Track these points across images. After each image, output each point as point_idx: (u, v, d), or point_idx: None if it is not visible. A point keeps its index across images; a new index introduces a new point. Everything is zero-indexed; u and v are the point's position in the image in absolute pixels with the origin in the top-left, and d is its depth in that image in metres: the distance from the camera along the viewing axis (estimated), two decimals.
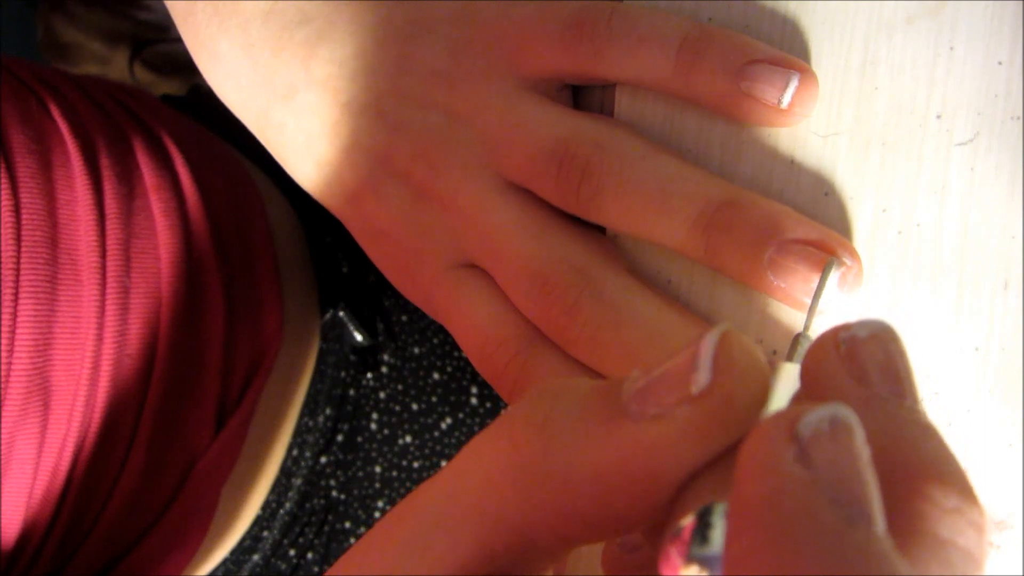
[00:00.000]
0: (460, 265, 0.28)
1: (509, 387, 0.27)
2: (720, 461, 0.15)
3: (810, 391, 0.17)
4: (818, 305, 0.24)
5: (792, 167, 0.25)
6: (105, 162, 0.34)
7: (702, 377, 0.15)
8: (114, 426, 0.33)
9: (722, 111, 0.25)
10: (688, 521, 0.15)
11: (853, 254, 0.24)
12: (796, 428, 0.14)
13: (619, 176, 0.25)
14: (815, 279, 0.24)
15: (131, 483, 0.35)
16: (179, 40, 0.32)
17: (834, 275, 0.23)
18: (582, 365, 0.26)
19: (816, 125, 0.25)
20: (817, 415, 0.14)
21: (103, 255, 0.33)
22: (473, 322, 0.28)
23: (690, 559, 0.14)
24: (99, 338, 0.32)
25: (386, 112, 0.28)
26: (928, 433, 0.16)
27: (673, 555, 0.14)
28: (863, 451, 0.14)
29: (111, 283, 0.33)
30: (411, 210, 0.28)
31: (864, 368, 0.16)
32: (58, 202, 0.32)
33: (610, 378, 0.17)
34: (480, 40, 0.28)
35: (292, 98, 0.29)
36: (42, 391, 0.31)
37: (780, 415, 0.14)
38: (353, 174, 0.29)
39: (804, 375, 0.17)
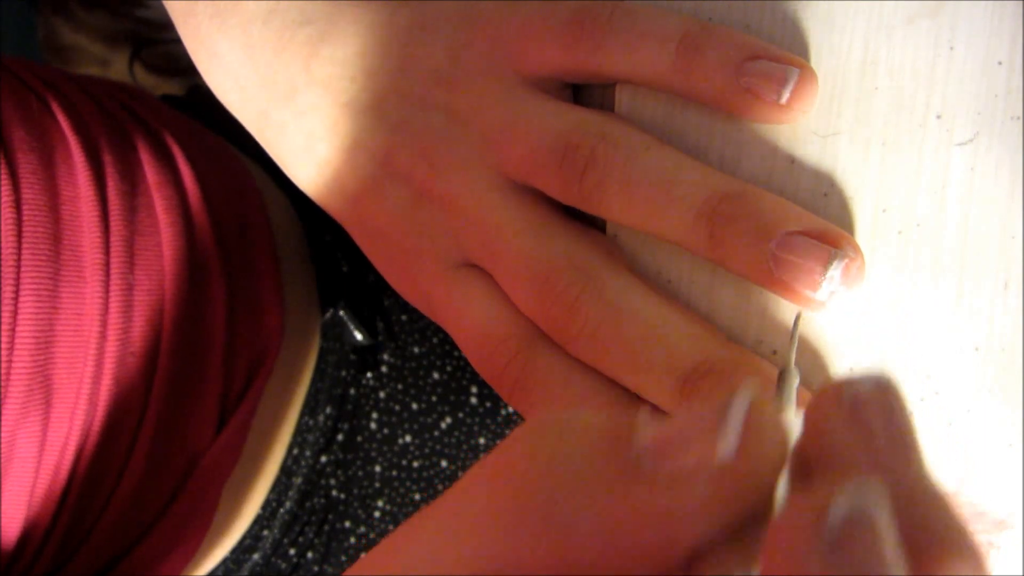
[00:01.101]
0: (460, 265, 0.28)
1: (509, 387, 0.27)
2: (738, 533, 0.15)
3: (812, 443, 0.16)
4: (795, 345, 0.24)
5: (792, 167, 0.26)
6: (107, 159, 0.34)
7: (728, 443, 0.14)
8: (117, 425, 0.33)
9: (721, 107, 0.25)
10: None
11: (856, 248, 0.24)
12: (826, 516, 0.13)
13: (623, 167, 0.25)
14: (817, 272, 0.24)
15: (133, 482, 0.35)
16: (179, 41, 0.32)
17: (838, 267, 0.23)
18: (583, 364, 0.26)
19: (816, 125, 0.25)
20: (845, 504, 0.13)
21: (107, 252, 0.33)
22: (473, 321, 0.28)
23: None
24: (102, 336, 0.32)
25: (387, 112, 0.28)
26: (937, 502, 0.15)
27: None
28: (890, 538, 0.13)
29: (115, 280, 0.33)
30: (411, 210, 0.28)
31: (870, 430, 0.16)
32: (60, 198, 0.32)
33: (619, 418, 0.16)
34: (481, 40, 0.28)
35: (293, 98, 0.29)
36: (44, 389, 0.31)
37: (803, 507, 0.14)
38: (353, 174, 0.29)
39: (807, 425, 0.17)
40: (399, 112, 0.28)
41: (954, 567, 0.14)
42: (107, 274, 0.33)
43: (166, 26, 0.64)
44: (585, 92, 0.28)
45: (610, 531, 0.14)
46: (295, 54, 0.29)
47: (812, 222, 0.24)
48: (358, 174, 0.29)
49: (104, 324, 0.32)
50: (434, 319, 0.29)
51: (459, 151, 0.28)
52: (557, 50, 0.27)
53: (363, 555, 0.42)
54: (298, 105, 0.29)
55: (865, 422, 0.16)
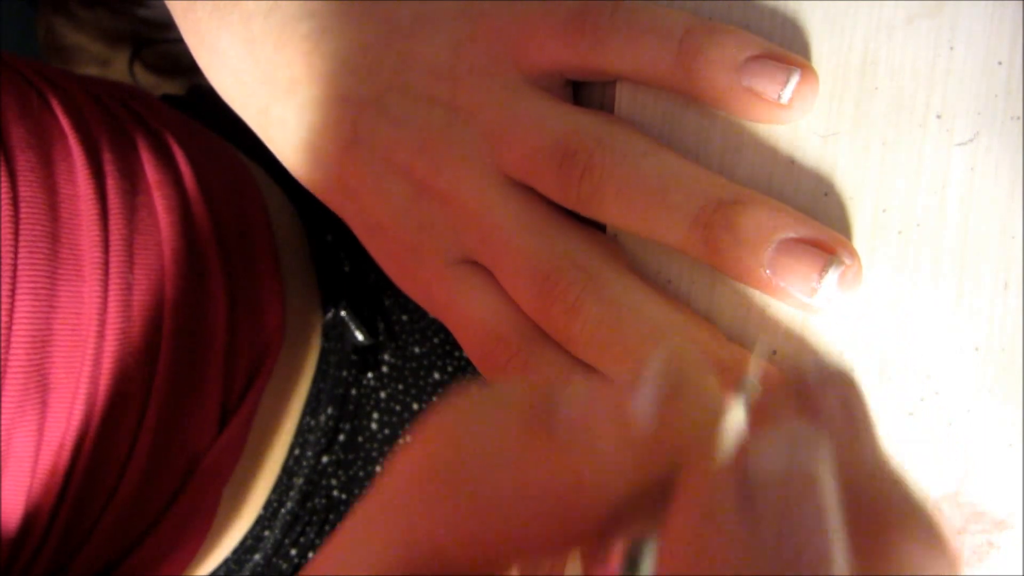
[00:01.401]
0: (460, 261, 0.28)
1: None
2: (652, 492, 0.14)
3: (756, 427, 0.15)
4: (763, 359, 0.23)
5: (792, 167, 0.26)
6: (107, 157, 0.34)
7: (643, 410, 0.14)
8: (116, 424, 0.33)
9: (722, 105, 0.25)
10: (617, 551, 0.14)
11: (852, 253, 0.24)
12: (746, 469, 0.12)
13: (620, 173, 0.25)
14: (815, 278, 0.24)
15: (133, 482, 0.35)
16: (179, 40, 0.32)
17: (834, 273, 0.24)
18: (583, 363, 0.26)
19: (816, 125, 0.25)
20: (768, 459, 0.12)
21: (106, 251, 0.33)
22: (473, 319, 0.28)
23: None
24: (101, 335, 0.32)
25: (388, 107, 0.28)
26: (895, 480, 0.14)
27: None
28: (828, 502, 0.12)
29: (114, 279, 0.33)
30: (412, 205, 0.28)
31: (818, 410, 0.15)
32: (59, 196, 0.32)
33: (538, 388, 0.15)
34: (483, 36, 0.28)
35: (294, 93, 0.29)
36: (40, 387, 0.31)
37: (729, 451, 0.13)
38: (354, 170, 0.29)
39: (751, 418, 0.16)
40: (400, 107, 0.28)
41: (909, 547, 0.13)
42: (106, 273, 0.32)
43: (166, 26, 0.64)
44: (585, 90, 0.28)
45: (526, 498, 0.14)
46: (296, 49, 0.29)
47: (808, 228, 0.24)
48: (359, 170, 0.29)
49: (103, 323, 0.32)
50: (435, 315, 0.29)
51: (459, 147, 0.28)
52: (558, 46, 0.27)
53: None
54: (299, 100, 0.29)
55: (814, 405, 0.15)
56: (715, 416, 0.14)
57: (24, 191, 0.31)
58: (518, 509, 0.14)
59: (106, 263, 0.33)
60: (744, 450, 0.13)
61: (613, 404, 0.14)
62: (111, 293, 0.33)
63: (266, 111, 0.30)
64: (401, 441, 0.42)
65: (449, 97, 0.28)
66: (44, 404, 0.31)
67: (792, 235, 0.24)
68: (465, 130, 0.28)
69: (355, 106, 0.28)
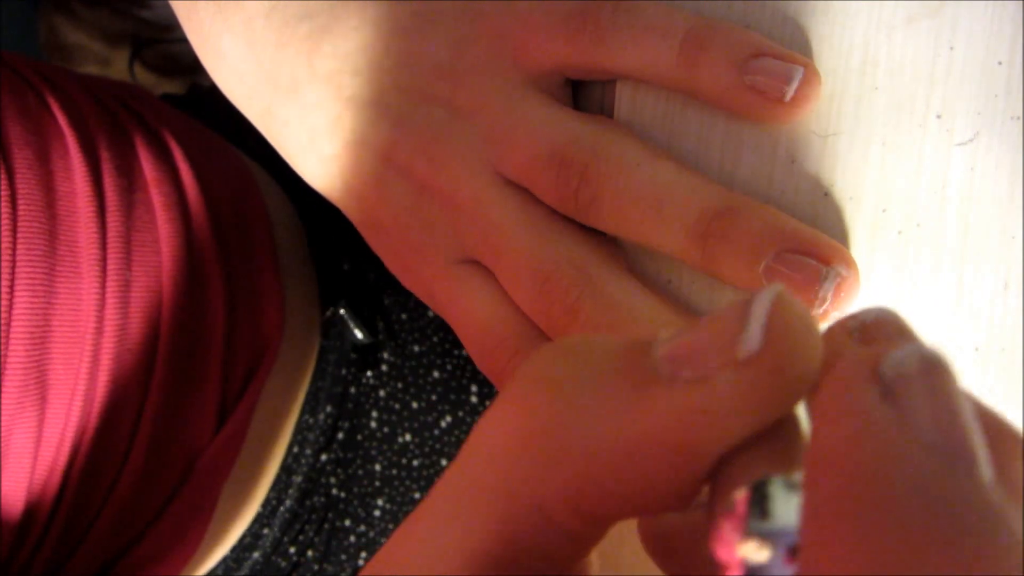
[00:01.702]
0: (461, 261, 0.28)
1: None
2: (767, 436, 0.14)
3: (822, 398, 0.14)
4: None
5: (792, 167, 0.25)
6: (105, 155, 0.34)
7: (752, 341, 0.13)
8: (114, 422, 0.33)
9: (725, 104, 0.25)
10: (742, 495, 0.13)
11: (850, 264, 0.24)
12: (879, 368, 0.12)
13: (615, 184, 0.25)
14: (810, 291, 0.24)
15: (131, 480, 0.35)
16: (180, 40, 0.32)
17: (830, 285, 0.24)
18: None
19: (816, 125, 0.25)
20: (902, 353, 0.12)
21: (103, 248, 0.33)
22: (473, 319, 0.28)
23: (748, 535, 0.13)
24: (99, 332, 0.32)
25: (389, 107, 0.28)
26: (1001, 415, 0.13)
27: (727, 532, 0.13)
28: (961, 394, 0.12)
29: (111, 276, 0.33)
30: (413, 205, 0.28)
31: (910, 412, 0.13)
32: (57, 194, 0.32)
33: (637, 337, 0.15)
34: (483, 35, 0.28)
35: (296, 94, 0.29)
36: (39, 385, 0.31)
37: (857, 356, 0.13)
38: (356, 169, 0.29)
39: (823, 404, 0.14)
40: (401, 106, 0.28)
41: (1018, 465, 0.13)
42: (103, 270, 0.33)
43: (167, 26, 0.64)
44: (585, 89, 0.28)
45: (629, 443, 0.13)
46: (297, 49, 0.29)
47: (804, 238, 0.24)
48: (361, 169, 0.29)
49: (100, 320, 0.32)
50: (437, 312, 0.30)
51: (459, 146, 0.28)
52: (559, 46, 0.27)
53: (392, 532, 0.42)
54: (301, 101, 0.29)
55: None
56: (819, 336, 0.14)
57: (22, 188, 0.31)
58: (625, 455, 0.13)
59: (104, 260, 0.33)
60: (865, 357, 0.13)
61: (715, 332, 0.14)
62: (109, 290, 0.33)
63: (269, 112, 0.30)
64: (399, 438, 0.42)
65: (449, 96, 0.28)
66: (43, 401, 0.31)
67: (788, 246, 0.24)
68: (465, 130, 0.28)
69: (356, 106, 0.28)
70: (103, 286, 0.32)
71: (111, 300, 0.33)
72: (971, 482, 0.11)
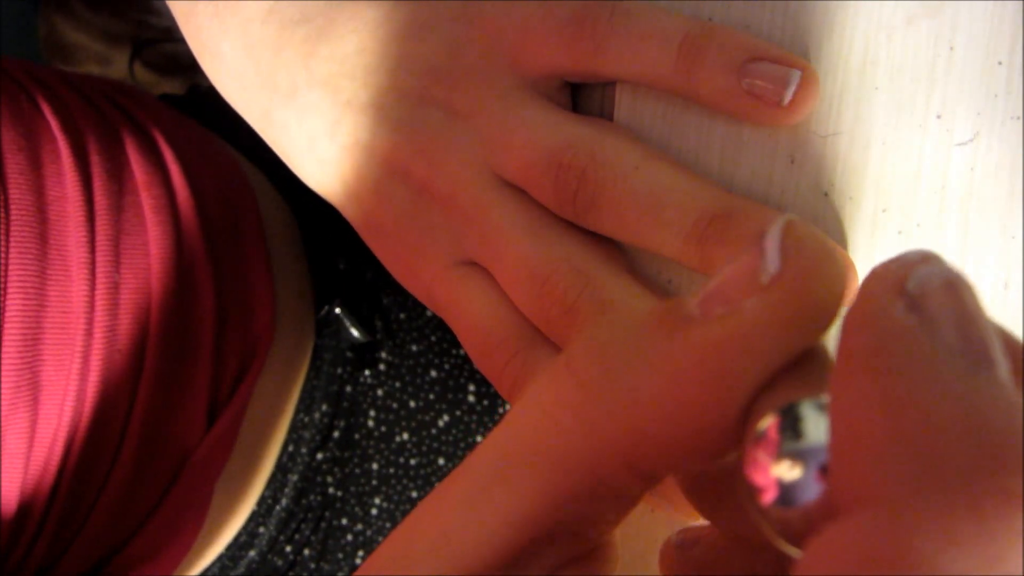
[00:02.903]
0: (461, 262, 0.28)
1: (508, 386, 0.27)
2: (797, 368, 0.14)
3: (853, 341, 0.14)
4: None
5: (792, 167, 0.25)
6: (95, 159, 0.34)
7: (770, 266, 0.14)
8: (105, 421, 0.33)
9: (723, 109, 0.25)
10: (771, 420, 0.13)
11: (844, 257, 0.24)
12: (905, 284, 0.13)
13: (612, 189, 0.25)
14: None
15: (123, 477, 0.35)
16: (180, 40, 0.32)
17: None
18: None
19: (816, 125, 0.25)
20: (926, 270, 0.13)
21: (92, 251, 0.33)
22: (473, 321, 0.28)
23: (781, 456, 0.13)
24: (89, 333, 0.32)
25: (387, 110, 0.28)
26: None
27: (761, 457, 0.13)
28: (982, 307, 0.13)
29: (100, 279, 0.33)
30: (411, 208, 0.28)
31: (935, 320, 0.13)
32: (48, 198, 0.32)
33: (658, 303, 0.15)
34: (481, 38, 0.28)
35: (294, 97, 0.29)
36: (31, 386, 0.31)
37: (884, 274, 0.13)
38: (355, 172, 0.29)
39: (852, 318, 0.14)
40: (398, 110, 0.28)
41: None
42: (93, 273, 0.33)
43: (168, 27, 0.64)
44: (585, 90, 0.28)
45: (669, 385, 0.14)
46: (294, 53, 0.29)
47: None
48: (360, 172, 0.29)
49: (90, 321, 0.33)
50: (437, 314, 0.30)
51: (457, 149, 0.28)
52: (557, 50, 0.26)
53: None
54: (299, 104, 0.29)
55: (930, 314, 0.13)
56: (837, 254, 0.14)
57: (14, 194, 0.31)
58: (671, 394, 0.14)
59: (93, 263, 0.33)
60: (891, 275, 0.13)
61: (738, 268, 0.14)
62: (98, 292, 0.33)
63: (268, 115, 0.30)
64: (396, 438, 0.42)
65: (447, 99, 0.28)
66: (35, 402, 0.32)
67: None
68: (463, 132, 0.28)
69: (354, 110, 0.28)
70: (92, 288, 0.33)
71: (100, 302, 0.33)
72: (994, 382, 0.12)
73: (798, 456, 0.13)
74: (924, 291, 0.13)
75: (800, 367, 0.14)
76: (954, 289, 0.13)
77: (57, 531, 0.34)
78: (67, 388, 0.32)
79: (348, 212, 0.30)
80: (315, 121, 0.29)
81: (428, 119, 0.28)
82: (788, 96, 0.24)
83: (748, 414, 0.14)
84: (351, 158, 0.29)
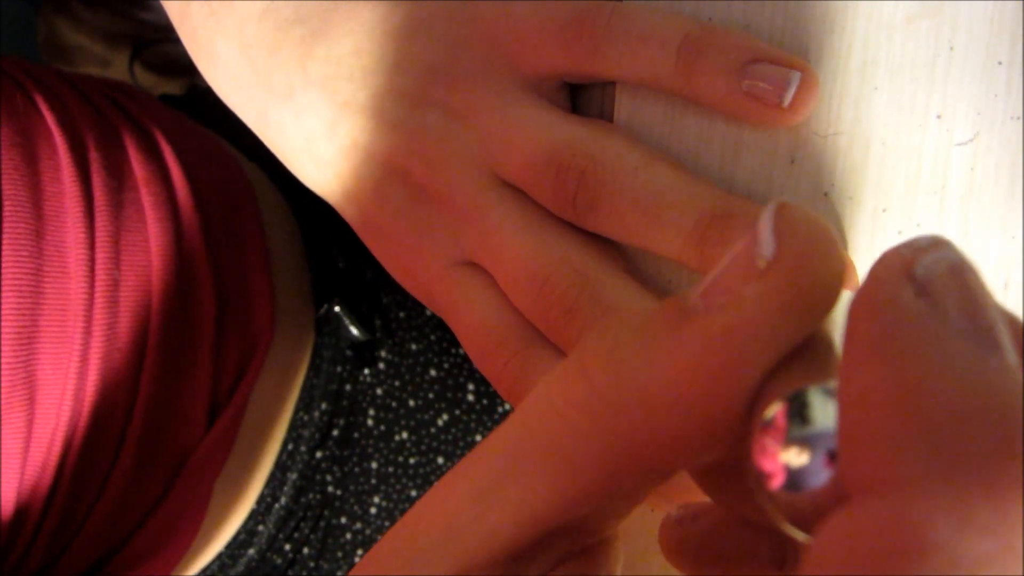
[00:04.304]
0: (460, 263, 0.28)
1: (508, 386, 0.27)
2: (800, 356, 0.14)
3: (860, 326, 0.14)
4: None
5: (792, 167, 0.26)
6: (94, 155, 0.34)
7: (765, 250, 0.14)
8: (104, 421, 0.33)
9: (723, 110, 0.25)
10: (778, 407, 0.13)
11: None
12: (912, 269, 0.13)
13: (612, 190, 0.25)
14: None
15: (122, 477, 0.35)
16: (179, 41, 0.32)
17: None
18: None
19: (816, 125, 0.25)
20: (935, 256, 0.13)
21: (91, 248, 0.33)
22: (473, 321, 0.28)
23: (788, 442, 0.13)
24: (87, 332, 0.32)
25: (385, 111, 0.28)
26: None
27: (768, 444, 0.13)
28: (988, 291, 0.13)
29: (100, 276, 0.33)
30: (410, 208, 0.28)
31: (944, 304, 0.13)
32: (44, 194, 0.32)
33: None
34: (478, 38, 0.28)
35: (290, 98, 0.29)
36: (27, 385, 0.31)
37: (891, 259, 0.13)
38: (353, 173, 0.29)
39: (860, 303, 0.14)
40: (396, 111, 0.28)
41: None
42: (92, 270, 0.33)
43: (167, 28, 0.64)
44: (584, 92, 0.28)
45: (675, 378, 0.14)
46: (290, 53, 0.29)
47: None
48: (359, 173, 0.29)
49: (89, 320, 0.32)
50: (437, 314, 0.30)
51: (455, 150, 0.27)
52: (554, 50, 0.26)
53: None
54: (296, 105, 0.29)
55: (938, 297, 0.13)
56: (837, 248, 0.14)
57: (8, 189, 0.31)
58: (680, 392, 0.14)
59: (92, 260, 0.33)
60: (899, 260, 0.13)
61: (735, 258, 0.14)
62: (97, 290, 0.33)
63: (264, 115, 0.30)
64: (394, 437, 0.42)
65: (445, 100, 0.28)
66: (32, 401, 0.31)
67: None
68: (462, 133, 0.27)
69: (352, 111, 0.28)
70: (91, 286, 0.32)
71: (99, 300, 0.33)
72: (1000, 363, 0.12)
73: (806, 442, 0.13)
74: (932, 276, 0.13)
75: (805, 354, 0.14)
76: (961, 274, 0.13)
77: (56, 531, 0.34)
78: (65, 387, 0.32)
79: (347, 213, 0.30)
80: (312, 122, 0.29)
81: (426, 120, 0.28)
82: (788, 97, 0.24)
83: (755, 402, 0.14)
84: (349, 159, 0.29)
